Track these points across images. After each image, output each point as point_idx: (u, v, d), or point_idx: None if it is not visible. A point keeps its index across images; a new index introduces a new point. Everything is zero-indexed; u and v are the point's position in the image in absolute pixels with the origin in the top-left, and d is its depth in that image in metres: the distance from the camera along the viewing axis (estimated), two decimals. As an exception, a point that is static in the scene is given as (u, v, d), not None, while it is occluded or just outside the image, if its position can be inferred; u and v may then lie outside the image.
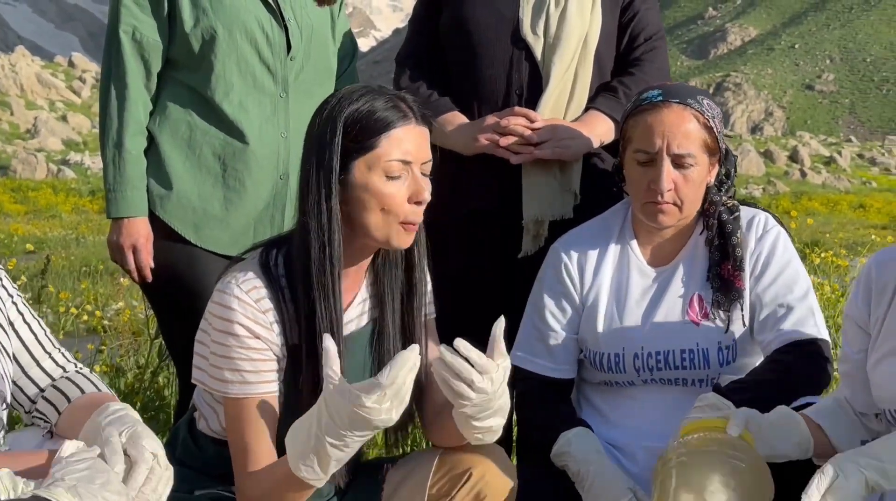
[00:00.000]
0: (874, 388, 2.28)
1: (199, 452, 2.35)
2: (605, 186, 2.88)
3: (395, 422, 2.00)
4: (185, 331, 2.39)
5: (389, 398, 1.96)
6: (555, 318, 2.69)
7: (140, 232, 2.88)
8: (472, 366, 2.06)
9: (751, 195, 26.90)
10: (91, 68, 61.00)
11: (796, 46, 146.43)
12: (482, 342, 2.14)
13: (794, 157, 42.56)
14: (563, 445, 2.51)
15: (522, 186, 2.92)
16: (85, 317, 6.57)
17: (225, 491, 2.26)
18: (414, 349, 1.97)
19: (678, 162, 2.54)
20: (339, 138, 2.19)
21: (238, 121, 2.89)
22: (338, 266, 2.21)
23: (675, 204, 2.56)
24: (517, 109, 2.90)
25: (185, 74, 2.93)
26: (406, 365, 1.95)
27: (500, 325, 2.10)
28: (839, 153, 45.51)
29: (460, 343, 2.04)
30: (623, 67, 3.04)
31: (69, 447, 1.79)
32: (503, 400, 2.14)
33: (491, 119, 2.90)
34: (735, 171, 2.72)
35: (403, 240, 2.24)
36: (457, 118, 2.97)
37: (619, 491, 2.39)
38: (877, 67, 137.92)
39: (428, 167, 2.25)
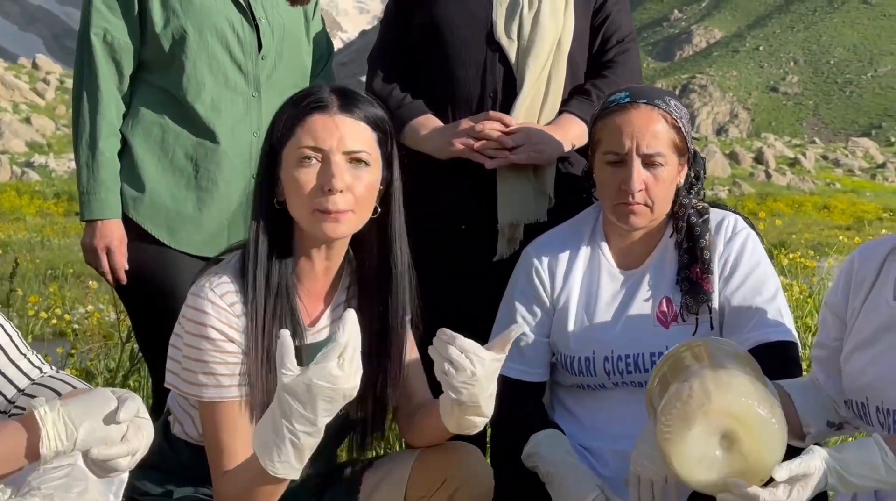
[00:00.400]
0: (844, 378, 2.32)
1: (174, 456, 2.34)
2: (579, 189, 2.88)
3: (355, 392, 1.97)
4: (159, 334, 2.40)
5: (348, 362, 1.93)
6: (526, 321, 2.69)
7: (114, 234, 2.88)
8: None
9: (717, 196, 27.05)
10: (55, 70, 60.47)
11: (761, 48, 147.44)
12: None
13: (759, 158, 42.83)
14: (534, 447, 2.52)
15: (497, 191, 2.92)
16: (54, 321, 6.52)
17: (202, 493, 2.25)
18: (350, 312, 1.95)
19: (648, 162, 2.55)
20: (274, 135, 2.23)
21: (210, 121, 2.89)
22: (287, 265, 2.23)
23: (646, 205, 2.57)
24: (492, 113, 2.89)
25: (157, 75, 2.93)
26: (353, 329, 1.94)
27: (516, 330, 2.12)
28: (803, 155, 45.85)
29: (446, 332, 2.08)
30: (596, 70, 3.04)
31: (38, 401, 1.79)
32: (490, 396, 2.14)
33: (466, 124, 2.89)
34: (704, 173, 2.73)
35: (321, 229, 2.20)
36: (430, 122, 2.96)
37: (588, 489, 2.40)
38: (840, 69, 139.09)
39: (362, 156, 2.21)
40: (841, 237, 13.41)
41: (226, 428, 2.18)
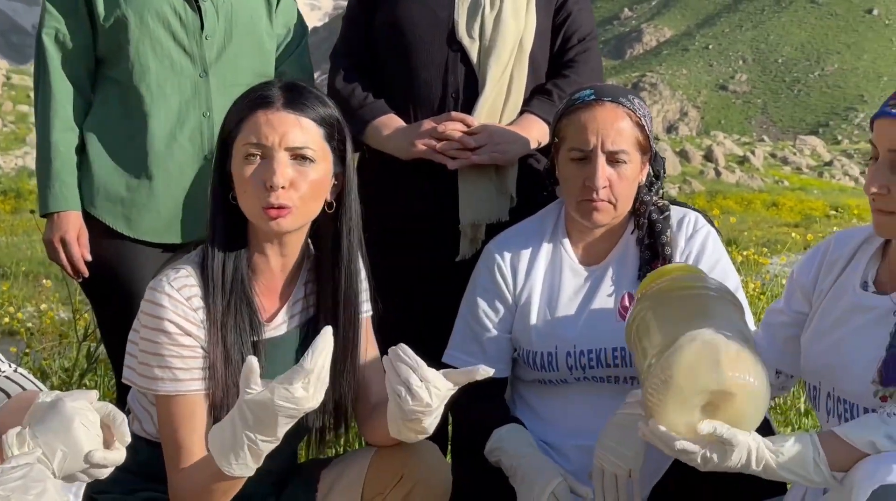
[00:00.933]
0: (802, 359, 2.37)
1: (133, 454, 2.32)
2: (540, 188, 2.90)
3: (318, 404, 2.00)
4: (122, 328, 2.40)
5: (313, 384, 1.97)
6: (488, 318, 2.71)
7: (69, 226, 2.90)
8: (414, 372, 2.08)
9: (667, 194, 27.17)
10: (1, 67, 59.69)
11: (710, 47, 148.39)
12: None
13: (708, 156, 43.04)
14: (496, 441, 2.54)
15: (459, 191, 2.93)
16: (6, 319, 6.46)
17: (161, 492, 2.24)
18: (328, 330, 1.98)
19: (613, 159, 2.58)
20: (225, 130, 2.26)
21: (157, 105, 2.92)
22: (243, 261, 2.25)
23: (609, 202, 2.59)
24: (454, 114, 2.90)
25: (110, 68, 2.97)
26: (326, 349, 1.97)
27: (483, 372, 2.11)
28: (752, 153, 46.11)
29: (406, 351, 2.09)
30: (557, 69, 3.06)
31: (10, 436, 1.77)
32: (436, 418, 2.15)
33: (428, 124, 2.90)
34: (664, 172, 2.77)
35: (267, 225, 2.22)
36: (392, 122, 2.97)
37: (550, 477, 2.42)
38: (788, 68, 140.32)
39: (306, 153, 2.22)
40: (794, 235, 13.54)
41: (181, 423, 2.19)
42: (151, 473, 2.28)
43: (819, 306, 2.38)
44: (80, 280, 2.97)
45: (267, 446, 2.04)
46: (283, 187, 2.18)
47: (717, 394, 2.04)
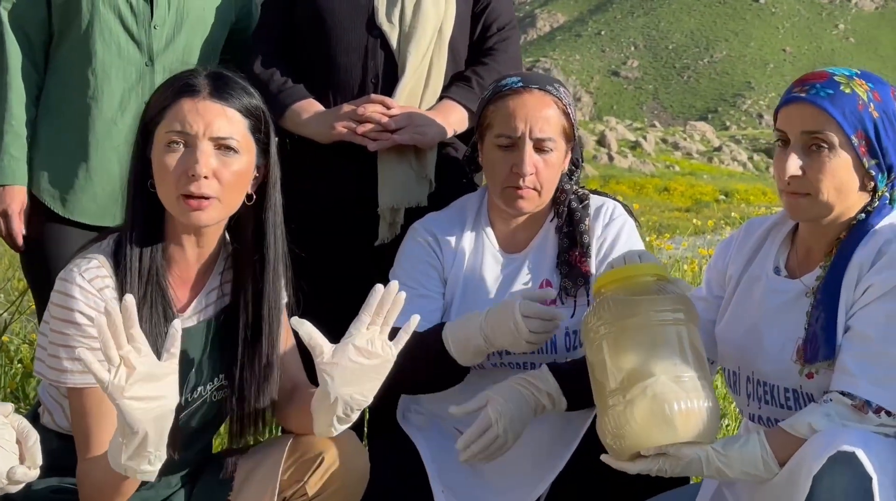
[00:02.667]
0: (719, 344, 2.43)
1: (44, 448, 2.30)
2: (458, 175, 2.93)
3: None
4: None
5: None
6: (418, 280, 2.70)
7: (13, 200, 2.90)
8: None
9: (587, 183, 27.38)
10: None
11: (602, 33, 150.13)
12: (342, 330, 2.16)
13: (601, 141, 43.51)
14: (452, 334, 2.51)
15: (378, 175, 2.93)
16: None
17: (71, 483, 2.20)
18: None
19: (539, 146, 2.60)
20: (147, 116, 2.23)
21: (100, 90, 2.91)
22: (158, 250, 2.22)
23: (535, 189, 2.62)
24: (373, 96, 2.90)
25: (60, 48, 2.95)
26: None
27: (413, 321, 2.16)
28: (644, 138, 46.75)
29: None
30: (476, 57, 3.07)
31: None
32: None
33: (347, 107, 2.89)
34: (582, 160, 2.80)
35: (187, 215, 2.19)
36: (312, 106, 2.96)
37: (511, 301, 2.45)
38: (678, 55, 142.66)
39: (231, 143, 2.20)
40: (695, 221, 13.81)
41: (91, 414, 2.15)
42: (62, 466, 2.23)
43: (733, 293, 2.45)
44: (22, 263, 2.99)
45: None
46: (205, 177, 2.16)
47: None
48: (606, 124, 51.95)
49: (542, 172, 2.61)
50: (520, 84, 2.63)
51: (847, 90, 2.19)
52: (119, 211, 2.82)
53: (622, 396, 2.11)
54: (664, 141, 50.15)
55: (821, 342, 2.19)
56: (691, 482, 2.66)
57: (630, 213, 2.78)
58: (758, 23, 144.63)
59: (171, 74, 2.87)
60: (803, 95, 2.21)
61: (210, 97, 2.20)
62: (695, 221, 14.81)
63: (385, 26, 2.95)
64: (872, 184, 2.23)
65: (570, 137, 2.68)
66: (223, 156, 2.19)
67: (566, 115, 2.65)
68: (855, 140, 2.18)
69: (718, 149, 49.79)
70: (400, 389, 2.61)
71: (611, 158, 39.58)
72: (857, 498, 1.98)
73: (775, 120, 2.30)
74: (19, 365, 4.28)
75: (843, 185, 2.20)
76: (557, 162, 2.64)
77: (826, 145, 2.18)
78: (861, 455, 1.99)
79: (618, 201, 2.80)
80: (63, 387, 2.20)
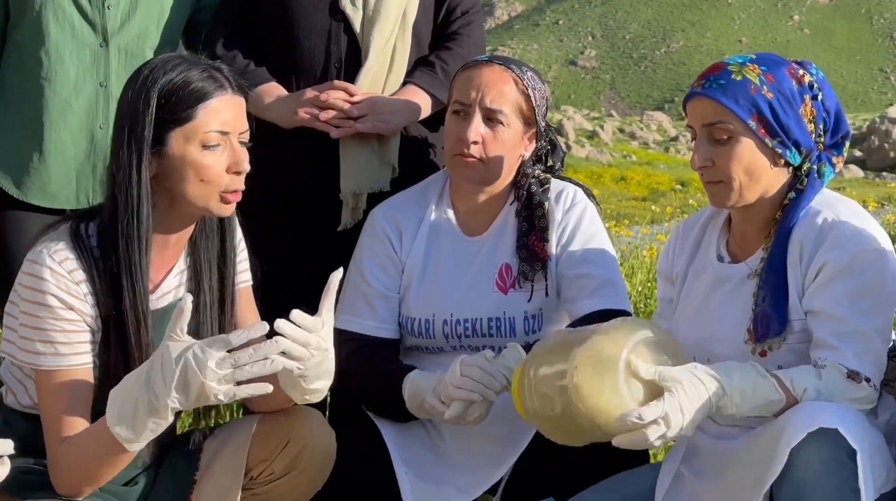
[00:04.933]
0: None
1: (6, 428, 2.29)
2: (421, 160, 2.95)
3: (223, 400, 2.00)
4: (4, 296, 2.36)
5: (226, 369, 1.97)
6: (376, 278, 2.73)
7: None
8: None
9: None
10: None
11: (560, 23, 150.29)
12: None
13: (559, 130, 43.54)
14: (411, 386, 2.53)
15: (340, 160, 2.94)
16: None
17: (36, 464, 2.21)
18: (280, 344, 2.00)
19: (489, 116, 2.63)
20: (153, 110, 2.18)
21: (54, 71, 2.88)
22: (145, 241, 2.21)
23: (480, 159, 2.63)
24: (337, 83, 2.90)
25: (14, 29, 2.93)
26: (262, 349, 1.98)
27: (335, 277, 2.15)
28: (601, 128, 46.92)
29: (295, 314, 2.08)
30: (440, 41, 3.07)
31: None
32: (331, 361, 2.18)
33: (310, 93, 2.89)
34: (562, 164, 2.82)
35: (224, 209, 2.26)
36: (274, 90, 2.95)
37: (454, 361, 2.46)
38: (636, 45, 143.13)
39: (246, 137, 2.26)
40: (654, 208, 13.86)
41: (64, 396, 2.16)
42: (28, 447, 2.24)
43: (681, 289, 2.52)
44: None
45: (152, 421, 2.02)
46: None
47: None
48: (564, 114, 52.06)
49: (490, 144, 2.63)
50: (485, 59, 2.68)
51: (738, 77, 2.31)
52: (74, 194, 2.82)
53: (567, 381, 2.11)
54: (621, 131, 50.36)
55: (771, 320, 2.27)
56: (651, 462, 2.70)
57: (591, 197, 2.80)
58: (714, 13, 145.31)
59: (126, 55, 2.90)
60: (699, 90, 2.33)
61: (235, 92, 2.26)
62: (653, 207, 14.89)
63: (348, 10, 2.94)
64: (783, 160, 2.32)
65: (530, 121, 2.69)
66: (244, 149, 2.27)
67: (525, 96, 2.67)
68: (752, 124, 2.29)
69: (675, 139, 50.05)
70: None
71: (568, 147, 39.61)
72: (835, 470, 2.03)
73: (685, 115, 2.40)
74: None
75: (751, 166, 2.31)
76: (510, 139, 2.66)
77: (726, 134, 2.30)
78: (843, 430, 2.04)
79: (580, 185, 2.82)
80: (28, 367, 2.20)
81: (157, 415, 2.02)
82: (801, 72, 2.36)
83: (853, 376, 2.17)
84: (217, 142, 2.21)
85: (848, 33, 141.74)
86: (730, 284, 2.40)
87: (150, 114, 2.19)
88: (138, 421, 2.02)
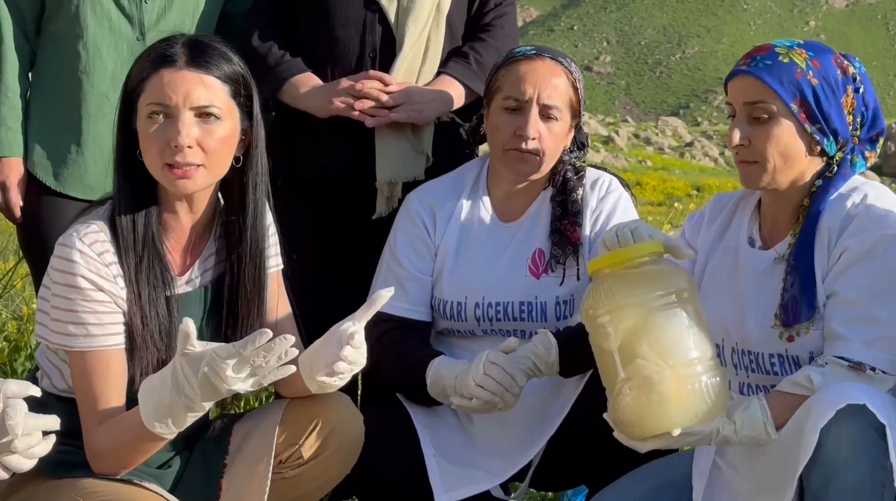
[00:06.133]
0: None
1: (43, 411, 2.33)
2: (455, 149, 2.96)
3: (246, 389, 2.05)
4: None
5: (246, 372, 2.01)
6: (410, 260, 2.75)
7: (10, 171, 2.91)
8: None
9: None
10: None
11: (575, 28, 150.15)
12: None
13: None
14: (434, 372, 2.56)
15: (376, 149, 2.95)
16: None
17: (71, 445, 2.22)
18: (288, 340, 2.02)
19: (545, 113, 2.64)
20: (129, 87, 2.26)
21: (92, 65, 2.91)
22: (153, 216, 2.26)
23: (536, 154, 2.65)
24: (372, 72, 2.91)
25: (51, 23, 2.95)
26: (273, 349, 2.00)
27: (385, 294, 2.19)
28: (616, 133, 46.78)
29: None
30: (473, 32, 3.08)
31: None
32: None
33: (345, 83, 2.90)
34: (587, 145, 2.83)
35: (174, 184, 2.23)
36: (309, 80, 2.96)
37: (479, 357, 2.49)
38: (651, 50, 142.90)
39: (212, 111, 2.23)
40: (677, 206, 13.76)
41: (97, 377, 2.19)
42: (64, 430, 2.27)
43: (705, 265, 2.51)
44: (19, 237, 3.00)
45: (191, 415, 2.08)
46: (188, 146, 2.20)
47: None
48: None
49: (546, 139, 2.65)
50: (533, 52, 2.69)
51: (785, 60, 2.30)
52: (112, 185, 2.88)
53: (629, 386, 2.12)
54: (636, 136, 50.21)
55: (800, 305, 2.27)
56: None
57: (626, 186, 2.81)
58: (730, 19, 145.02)
59: None
60: (745, 68, 2.32)
61: (187, 66, 2.23)
62: (677, 206, 14.84)
63: (383, 1, 2.96)
64: (819, 148, 2.32)
65: (576, 112, 2.71)
66: (205, 124, 2.23)
67: (574, 89, 2.69)
68: (794, 107, 2.28)
69: (690, 144, 49.90)
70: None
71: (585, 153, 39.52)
72: (866, 447, 2.03)
73: (726, 94, 2.39)
74: (5, 342, 4.29)
75: (788, 150, 2.30)
76: (561, 133, 2.68)
77: (767, 114, 2.29)
78: (871, 406, 2.04)
79: (615, 174, 2.83)
80: (63, 351, 2.23)
81: (193, 411, 2.08)
82: (846, 63, 2.35)
83: (857, 367, 2.16)
84: (157, 113, 2.21)
85: (864, 39, 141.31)
86: (759, 268, 2.40)
87: (126, 89, 2.27)
88: (177, 418, 2.08)
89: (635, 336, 2.13)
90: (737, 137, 2.31)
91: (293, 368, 2.05)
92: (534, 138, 2.63)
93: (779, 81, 2.28)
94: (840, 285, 2.25)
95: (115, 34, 2.92)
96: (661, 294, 2.15)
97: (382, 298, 2.18)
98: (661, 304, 2.14)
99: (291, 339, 2.01)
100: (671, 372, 2.10)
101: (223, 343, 2.05)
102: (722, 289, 2.45)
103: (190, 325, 2.02)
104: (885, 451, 2.04)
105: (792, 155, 2.31)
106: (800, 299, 2.28)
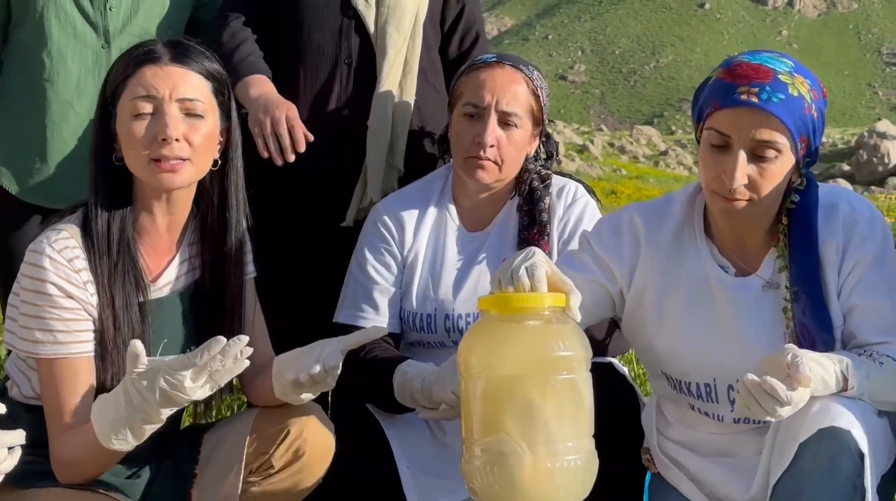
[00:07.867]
0: (674, 359, 2.35)
1: (10, 422, 2.31)
2: (426, 160, 2.96)
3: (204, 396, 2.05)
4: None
5: (202, 377, 2.00)
6: (378, 271, 2.73)
7: None
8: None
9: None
10: None
11: (550, 38, 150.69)
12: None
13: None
14: (401, 376, 2.50)
15: (367, 167, 2.93)
16: None
17: (38, 455, 2.20)
18: (242, 340, 2.01)
19: (504, 120, 2.63)
20: (108, 90, 2.25)
21: (56, 72, 2.89)
22: (128, 221, 2.25)
23: (495, 162, 2.64)
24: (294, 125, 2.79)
25: (17, 30, 2.93)
26: (216, 348, 1.99)
27: (377, 332, 2.27)
28: (591, 142, 46.89)
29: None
30: (460, 61, 3.02)
31: None
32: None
33: (268, 124, 2.77)
34: (557, 154, 2.82)
35: (159, 180, 2.22)
36: (259, 82, 2.88)
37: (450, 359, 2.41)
38: (625, 60, 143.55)
39: (195, 106, 2.23)
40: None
41: (64, 385, 2.17)
42: (32, 439, 2.24)
43: (656, 303, 2.34)
44: None
45: (149, 427, 2.07)
46: (176, 140, 2.19)
47: None
48: (554, 128, 52.07)
49: (505, 147, 2.64)
50: (494, 59, 2.68)
51: (795, 93, 2.12)
52: (76, 195, 2.86)
53: (484, 453, 1.98)
54: (611, 145, 50.36)
55: (816, 332, 2.17)
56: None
57: (592, 194, 2.81)
58: (703, 28, 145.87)
59: None
60: (757, 101, 2.10)
61: (172, 62, 2.23)
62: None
63: (361, 6, 2.93)
64: (800, 176, 2.22)
65: (538, 120, 2.71)
66: (190, 120, 2.23)
67: (536, 96, 2.68)
68: (800, 145, 2.16)
69: (664, 153, 50.09)
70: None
71: (559, 162, 39.66)
72: (841, 467, 1.98)
73: (704, 117, 2.19)
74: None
75: (782, 185, 2.18)
76: (521, 140, 2.67)
77: (776, 153, 2.13)
78: (856, 432, 1.98)
79: (581, 182, 2.82)
80: (32, 359, 2.21)
81: (151, 423, 2.06)
82: (821, 83, 2.24)
83: None
84: (143, 109, 2.21)
85: (836, 48, 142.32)
86: (747, 297, 2.26)
87: (104, 93, 2.26)
88: (135, 430, 2.07)
89: (503, 408, 1.95)
90: (741, 177, 2.12)
91: (247, 362, 2.03)
92: (492, 146, 2.62)
93: (792, 120, 2.12)
94: (858, 296, 2.18)
95: (80, 42, 2.90)
96: (546, 367, 1.96)
97: (377, 332, 2.24)
98: (539, 382, 1.95)
99: (245, 338, 2.01)
100: (530, 458, 1.94)
101: (176, 356, 2.05)
102: (704, 325, 2.30)
103: (139, 346, 2.02)
104: (861, 473, 1.99)
105: (782, 189, 2.19)
106: (815, 326, 2.17)
